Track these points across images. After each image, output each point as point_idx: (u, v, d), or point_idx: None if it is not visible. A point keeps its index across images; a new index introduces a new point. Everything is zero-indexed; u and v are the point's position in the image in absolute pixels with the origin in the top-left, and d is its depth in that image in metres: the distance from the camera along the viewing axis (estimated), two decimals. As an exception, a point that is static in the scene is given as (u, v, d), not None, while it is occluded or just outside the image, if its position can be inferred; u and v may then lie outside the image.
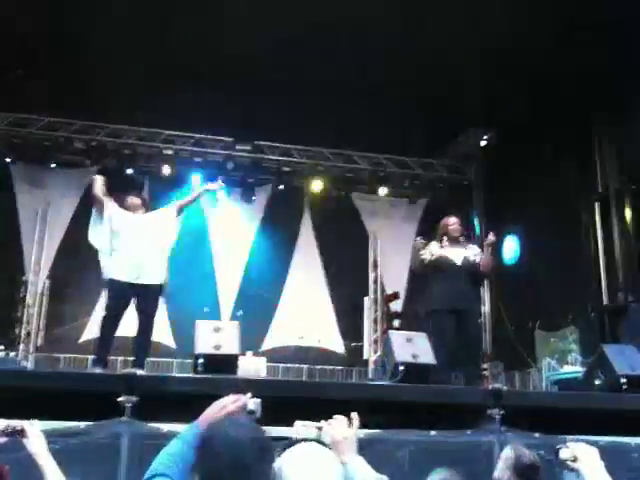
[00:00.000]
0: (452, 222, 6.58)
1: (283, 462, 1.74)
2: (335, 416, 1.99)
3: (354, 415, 2.01)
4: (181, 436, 1.95)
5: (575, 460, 2.48)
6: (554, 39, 10.09)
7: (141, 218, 5.79)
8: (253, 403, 2.12)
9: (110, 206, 5.81)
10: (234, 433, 1.72)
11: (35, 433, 2.48)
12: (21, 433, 2.45)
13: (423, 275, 6.59)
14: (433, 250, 6.43)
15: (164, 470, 1.80)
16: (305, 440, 1.83)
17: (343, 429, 1.94)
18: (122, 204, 5.92)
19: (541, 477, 3.28)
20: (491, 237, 6.61)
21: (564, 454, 2.52)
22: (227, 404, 2.03)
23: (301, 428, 1.89)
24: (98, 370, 5.32)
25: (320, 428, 1.90)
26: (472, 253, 6.60)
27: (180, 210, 6.08)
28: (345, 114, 11.52)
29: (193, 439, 1.92)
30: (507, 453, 3.16)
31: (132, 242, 5.63)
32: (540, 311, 11.75)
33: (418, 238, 6.63)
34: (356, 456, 1.92)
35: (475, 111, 12.44)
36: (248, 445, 1.69)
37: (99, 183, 5.93)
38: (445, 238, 6.47)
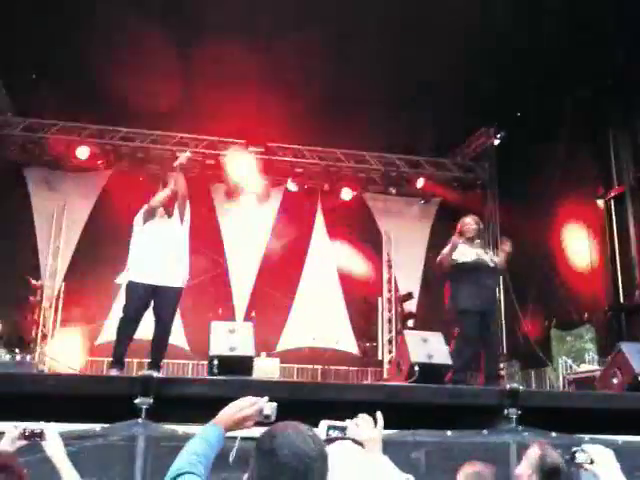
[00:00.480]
0: (467, 222, 6.52)
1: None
2: (360, 415, 1.98)
3: (379, 414, 2.01)
4: (203, 436, 1.94)
5: (592, 462, 2.47)
6: (566, 38, 10.05)
7: (166, 221, 5.75)
8: (269, 407, 2.10)
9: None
10: (302, 445, 1.67)
11: (53, 436, 2.50)
12: (40, 436, 2.47)
13: (444, 274, 6.45)
14: (465, 251, 6.34)
15: (190, 468, 1.79)
16: (335, 439, 1.83)
17: (369, 429, 1.93)
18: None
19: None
20: (506, 247, 6.57)
21: (580, 457, 2.51)
22: (244, 407, 2.01)
23: (324, 429, 1.88)
24: (115, 372, 5.32)
25: (345, 428, 1.90)
26: (490, 253, 6.59)
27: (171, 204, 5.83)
28: (357, 115, 11.51)
29: (215, 440, 1.91)
30: (533, 451, 3.08)
31: (154, 245, 5.61)
32: (556, 310, 11.68)
33: (454, 237, 6.39)
34: (382, 455, 1.92)
35: (488, 110, 12.39)
36: (315, 459, 1.65)
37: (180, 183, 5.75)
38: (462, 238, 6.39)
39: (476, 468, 2.92)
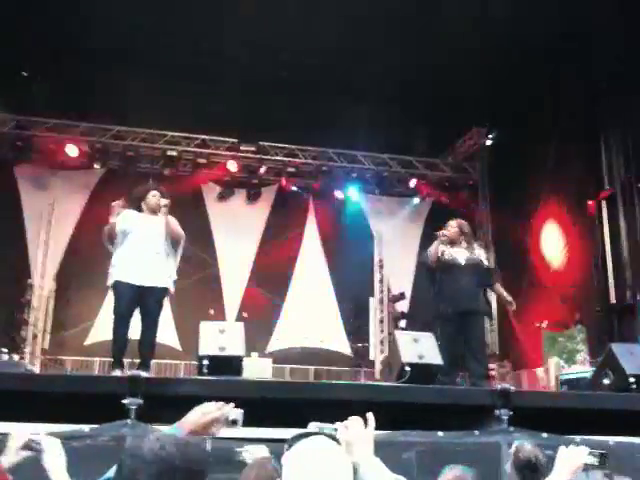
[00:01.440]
0: (451, 225, 6.57)
1: (290, 455, 1.68)
2: (351, 417, 1.94)
3: (370, 415, 1.97)
4: None
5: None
6: (559, 40, 10.07)
7: (151, 220, 5.70)
8: (235, 413, 2.07)
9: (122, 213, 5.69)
10: (162, 451, 1.58)
11: (57, 452, 2.39)
12: (40, 449, 2.35)
13: (430, 273, 6.52)
14: (446, 251, 6.39)
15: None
16: (317, 434, 1.76)
17: (359, 430, 1.89)
18: (143, 199, 5.75)
19: (542, 474, 3.28)
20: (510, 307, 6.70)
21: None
22: (209, 412, 1.99)
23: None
24: (117, 373, 5.29)
25: (335, 430, 1.85)
26: (477, 254, 6.57)
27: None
28: (349, 114, 11.50)
29: None
30: (512, 448, 3.33)
31: (140, 244, 5.57)
32: (547, 311, 11.69)
33: (440, 232, 6.46)
34: (373, 457, 1.88)
35: (480, 111, 12.41)
36: (177, 465, 1.56)
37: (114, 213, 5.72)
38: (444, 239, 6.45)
39: (454, 471, 2.94)
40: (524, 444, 3.39)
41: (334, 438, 1.75)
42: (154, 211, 5.72)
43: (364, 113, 11.62)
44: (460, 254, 6.41)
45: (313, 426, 1.80)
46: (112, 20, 10.08)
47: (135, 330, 5.66)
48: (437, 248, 6.37)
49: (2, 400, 3.91)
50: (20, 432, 2.42)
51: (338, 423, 1.88)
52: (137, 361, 5.68)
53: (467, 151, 14.09)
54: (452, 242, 6.46)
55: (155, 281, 5.55)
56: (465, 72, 10.90)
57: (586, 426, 4.31)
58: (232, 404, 2.06)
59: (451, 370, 6.00)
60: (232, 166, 13.04)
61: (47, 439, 2.38)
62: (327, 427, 1.81)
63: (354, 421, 1.92)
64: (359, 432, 1.88)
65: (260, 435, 3.69)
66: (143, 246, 5.55)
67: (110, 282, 5.58)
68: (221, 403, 2.04)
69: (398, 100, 11.46)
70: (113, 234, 5.63)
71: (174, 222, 5.72)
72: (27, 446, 2.36)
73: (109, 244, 5.71)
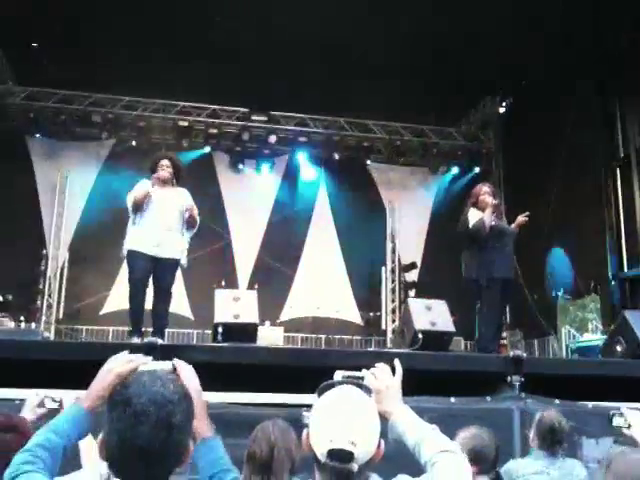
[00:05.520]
0: (484, 191, 6.11)
1: (318, 404, 1.66)
2: (377, 364, 1.89)
3: (397, 362, 1.88)
4: (51, 424, 1.65)
5: (629, 427, 2.46)
6: (575, 6, 9.88)
7: (165, 193, 5.71)
8: (155, 367, 1.70)
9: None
10: (161, 389, 1.50)
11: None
12: (60, 405, 2.41)
13: (478, 242, 5.93)
14: (484, 217, 5.90)
15: (27, 467, 1.52)
16: (347, 383, 1.72)
17: (386, 378, 1.85)
18: (155, 172, 5.74)
19: (562, 439, 3.33)
20: (522, 218, 6.22)
21: (617, 421, 2.50)
22: (114, 367, 1.67)
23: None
24: (135, 340, 5.34)
25: (362, 378, 1.80)
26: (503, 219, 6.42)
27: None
28: (362, 83, 11.38)
29: (74, 419, 1.65)
30: (537, 415, 3.45)
31: (153, 216, 5.60)
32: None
33: (492, 201, 5.95)
34: (402, 405, 1.81)
35: (493, 79, 12.25)
36: (176, 403, 1.49)
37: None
38: (478, 206, 5.99)
39: (471, 431, 2.97)
40: (548, 412, 3.45)
41: (363, 387, 1.72)
42: (165, 182, 5.71)
43: (377, 81, 11.48)
44: (502, 221, 6.23)
45: (339, 374, 1.76)
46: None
47: (150, 301, 5.72)
48: (491, 216, 5.95)
49: (20, 367, 3.97)
50: (38, 392, 2.46)
51: (365, 370, 1.84)
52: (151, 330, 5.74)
53: (481, 119, 13.95)
54: (484, 209, 6.00)
55: (167, 253, 5.57)
56: (480, 40, 10.71)
57: (598, 393, 4.33)
58: (150, 357, 1.75)
59: (495, 337, 5.89)
60: (245, 136, 13.00)
61: (66, 397, 2.42)
62: (354, 375, 1.77)
63: (381, 369, 1.87)
64: (387, 380, 1.84)
65: (277, 400, 3.74)
66: (156, 221, 5.56)
67: (124, 252, 5.62)
68: (134, 355, 1.75)
69: (411, 68, 11.30)
70: (139, 203, 5.56)
71: (194, 210, 5.68)
72: (44, 404, 2.41)
73: (132, 212, 5.66)
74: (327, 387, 1.65)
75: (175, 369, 1.76)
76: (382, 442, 1.60)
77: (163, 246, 5.52)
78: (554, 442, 3.35)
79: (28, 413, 2.39)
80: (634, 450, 2.17)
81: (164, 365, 1.77)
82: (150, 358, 1.76)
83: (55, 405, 2.42)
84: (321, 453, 1.53)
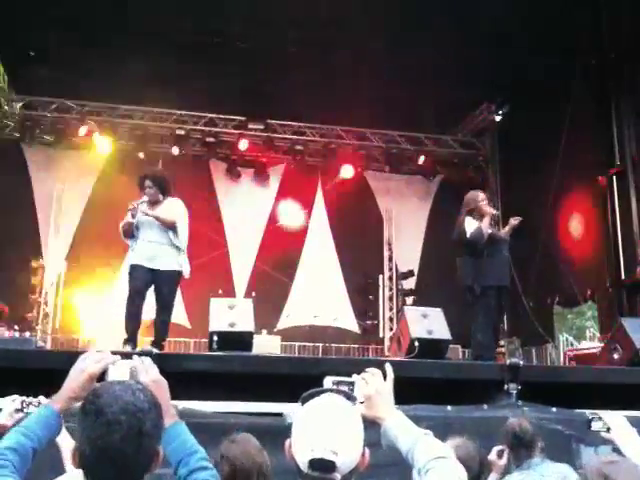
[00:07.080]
0: (481, 198, 6.16)
1: (300, 413, 1.62)
2: (368, 369, 1.85)
3: (388, 366, 1.86)
4: (22, 426, 1.68)
5: (608, 430, 2.45)
6: (569, 9, 9.93)
7: (155, 211, 5.82)
8: (122, 366, 1.75)
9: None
10: (131, 399, 1.53)
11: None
12: (37, 407, 2.41)
13: (479, 250, 5.92)
14: (482, 225, 5.93)
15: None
16: (331, 391, 1.68)
17: (378, 383, 1.82)
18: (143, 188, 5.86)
19: (533, 441, 3.27)
20: (514, 221, 6.23)
21: (596, 425, 2.49)
22: (87, 366, 1.72)
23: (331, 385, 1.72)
24: (128, 349, 5.34)
25: (353, 384, 1.76)
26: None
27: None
28: (358, 92, 11.40)
29: (47, 422, 1.68)
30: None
31: (146, 234, 5.73)
32: (558, 287, 11.65)
33: (489, 210, 6.05)
34: (394, 410, 1.78)
35: (489, 85, 12.28)
36: (146, 411, 1.53)
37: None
38: (474, 214, 6.01)
39: (455, 442, 2.94)
40: (515, 419, 3.45)
41: (350, 396, 1.68)
42: (152, 203, 5.80)
43: (372, 89, 11.49)
44: (497, 229, 6.24)
45: (329, 380, 1.73)
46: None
47: (150, 312, 5.79)
48: (488, 225, 6.00)
49: (15, 376, 3.94)
50: (9, 398, 2.44)
51: (355, 375, 1.81)
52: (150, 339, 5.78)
53: (477, 127, 13.97)
54: (482, 216, 6.05)
55: (164, 265, 5.68)
56: (474, 45, 10.74)
57: (595, 400, 4.31)
58: (118, 357, 1.78)
59: (492, 344, 5.91)
60: (243, 145, 13.00)
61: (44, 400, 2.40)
62: (344, 380, 1.74)
63: (372, 373, 1.83)
64: (378, 385, 1.80)
65: (272, 410, 3.72)
66: (150, 238, 5.72)
67: (127, 267, 5.79)
68: (103, 355, 1.78)
69: (406, 76, 11.32)
70: (127, 232, 5.79)
71: (163, 214, 5.75)
72: (22, 409, 2.39)
73: (125, 239, 5.87)
74: (311, 396, 1.63)
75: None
76: (367, 451, 1.58)
77: (158, 259, 5.69)
78: (524, 446, 3.32)
79: (5, 419, 2.36)
80: (624, 459, 2.14)
81: (132, 363, 1.82)
82: (118, 357, 1.80)
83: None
84: (302, 463, 1.51)
